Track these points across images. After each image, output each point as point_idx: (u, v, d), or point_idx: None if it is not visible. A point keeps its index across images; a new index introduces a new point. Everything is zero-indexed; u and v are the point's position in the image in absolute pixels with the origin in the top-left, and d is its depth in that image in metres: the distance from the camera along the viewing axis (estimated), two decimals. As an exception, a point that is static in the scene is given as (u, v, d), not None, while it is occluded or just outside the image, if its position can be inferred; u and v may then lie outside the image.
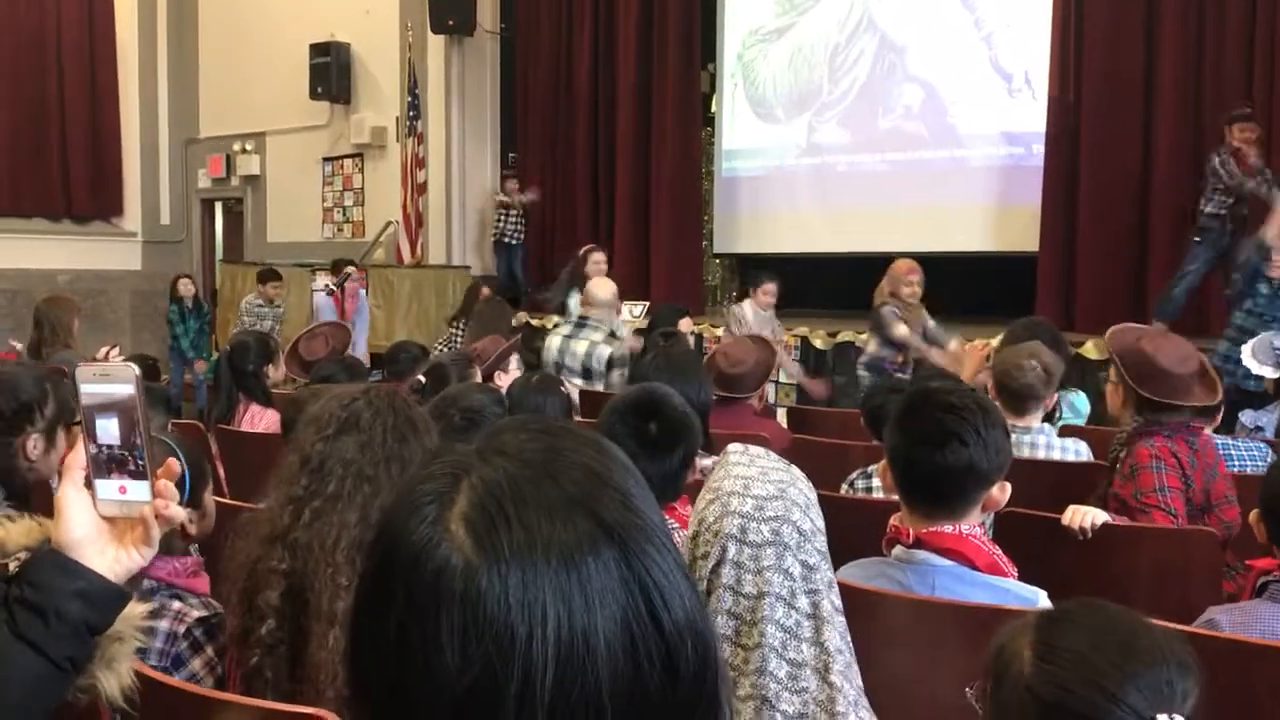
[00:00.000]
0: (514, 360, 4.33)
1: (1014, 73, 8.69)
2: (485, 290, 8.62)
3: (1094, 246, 8.11)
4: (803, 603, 1.45)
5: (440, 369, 3.79)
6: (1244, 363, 4.60)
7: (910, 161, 9.25)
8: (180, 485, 1.11)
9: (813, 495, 1.54)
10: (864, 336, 7.87)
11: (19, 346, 6.64)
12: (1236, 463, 3.34)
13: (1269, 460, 3.25)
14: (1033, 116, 8.46)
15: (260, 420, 4.35)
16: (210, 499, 2.28)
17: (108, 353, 6.75)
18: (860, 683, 1.48)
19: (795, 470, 1.58)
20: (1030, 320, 4.24)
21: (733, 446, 1.60)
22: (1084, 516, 2.59)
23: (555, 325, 6.17)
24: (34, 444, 2.40)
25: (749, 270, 10.49)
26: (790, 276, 9.95)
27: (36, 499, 2.31)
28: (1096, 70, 8.05)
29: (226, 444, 4.14)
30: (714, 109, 10.60)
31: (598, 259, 6.73)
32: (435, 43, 10.97)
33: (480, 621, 0.65)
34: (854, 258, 9.63)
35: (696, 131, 10.39)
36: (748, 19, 10.19)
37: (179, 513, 1.11)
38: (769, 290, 7.22)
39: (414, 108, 10.78)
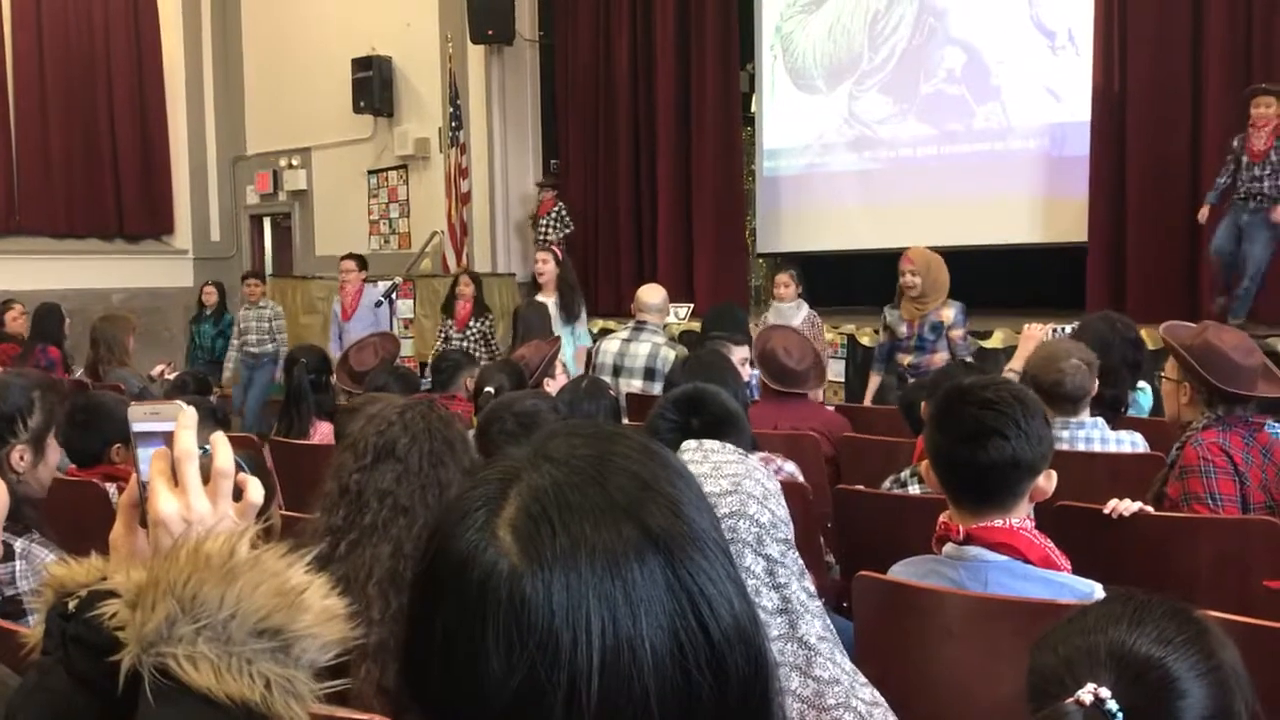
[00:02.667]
0: (559, 365, 4.36)
1: (1056, 30, 8.58)
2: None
3: (1143, 236, 7.98)
4: (771, 598, 1.44)
5: (497, 378, 3.81)
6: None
7: (954, 154, 9.16)
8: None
9: (772, 485, 1.53)
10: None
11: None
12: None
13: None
14: (1077, 75, 8.32)
15: (317, 432, 4.42)
16: (276, 513, 2.30)
17: (162, 371, 6.90)
18: (850, 665, 1.46)
19: (751, 461, 1.56)
20: (1105, 314, 4.16)
21: (686, 444, 1.58)
22: (1124, 506, 2.58)
23: (600, 331, 6.21)
24: (20, 456, 2.28)
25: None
26: (835, 273, 9.97)
27: (31, 516, 2.20)
28: (1143, 34, 7.92)
29: (283, 456, 4.20)
30: (754, 109, 10.58)
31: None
32: (475, 53, 11.05)
33: (525, 627, 0.65)
34: (900, 253, 9.57)
35: (737, 131, 10.37)
36: None
37: None
38: (782, 282, 7.21)
39: (456, 118, 10.86)
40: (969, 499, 2.04)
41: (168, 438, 1.05)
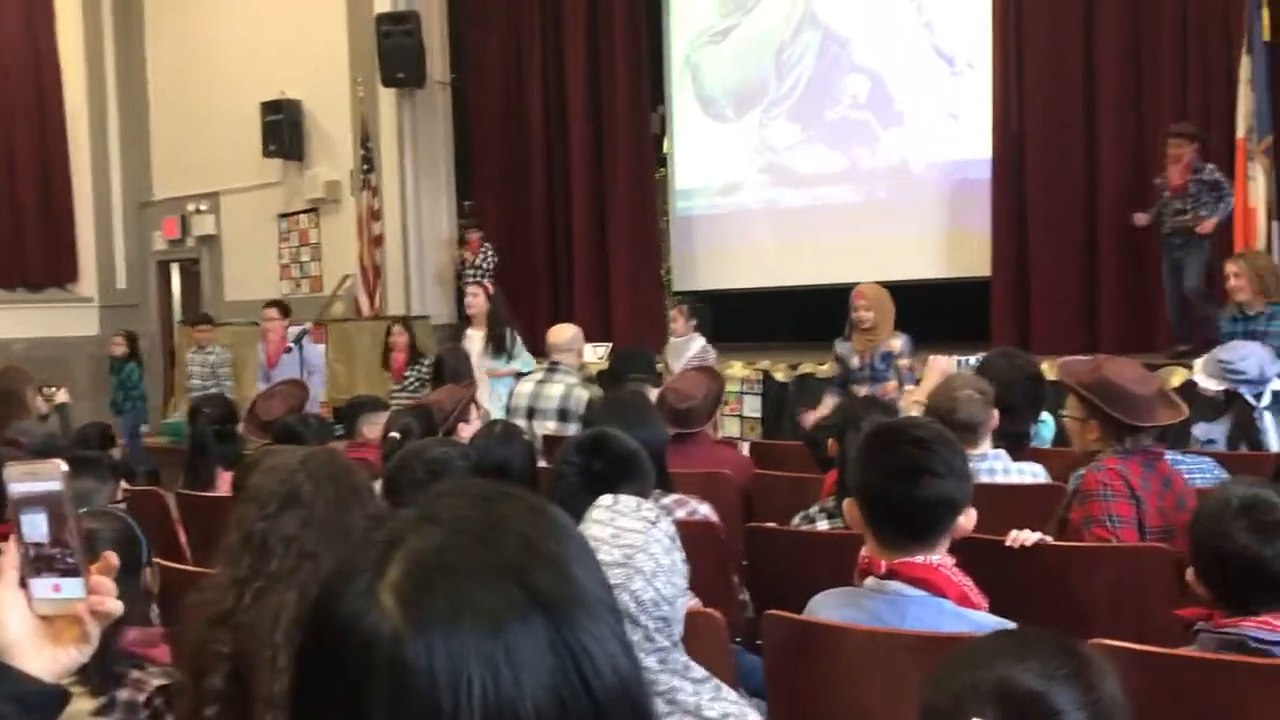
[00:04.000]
0: (474, 410, 4.34)
1: (955, 55, 8.89)
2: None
3: (1045, 269, 8.24)
4: (648, 664, 1.47)
5: (405, 423, 3.78)
6: (1194, 378, 4.68)
7: (862, 191, 9.39)
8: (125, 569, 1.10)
9: (669, 559, 1.56)
10: (824, 368, 7.94)
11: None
12: (1186, 477, 3.39)
13: (1216, 474, 3.28)
14: (977, 99, 8.62)
15: (223, 483, 4.33)
16: (149, 574, 2.25)
17: (54, 393, 6.71)
18: None
19: (658, 530, 1.58)
20: (1005, 351, 4.28)
21: (603, 499, 1.61)
22: (1025, 536, 2.65)
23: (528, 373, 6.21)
24: None
25: (712, 308, 10.59)
26: (752, 311, 10.08)
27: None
28: (1038, 69, 8.21)
29: (188, 508, 4.11)
30: (665, 150, 10.71)
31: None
32: (387, 96, 11.02)
33: (406, 691, 0.65)
34: (813, 290, 9.73)
35: (650, 172, 10.49)
36: (693, 23, 10.35)
37: (115, 606, 1.09)
38: (674, 316, 7.36)
39: (367, 161, 10.80)
40: (897, 535, 2.08)
41: (47, 498, 1.04)
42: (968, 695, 1.15)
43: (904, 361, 5.62)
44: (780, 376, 8.12)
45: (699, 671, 1.54)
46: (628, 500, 1.65)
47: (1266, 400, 4.38)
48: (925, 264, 8.96)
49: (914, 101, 9.09)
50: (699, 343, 7.27)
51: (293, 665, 0.73)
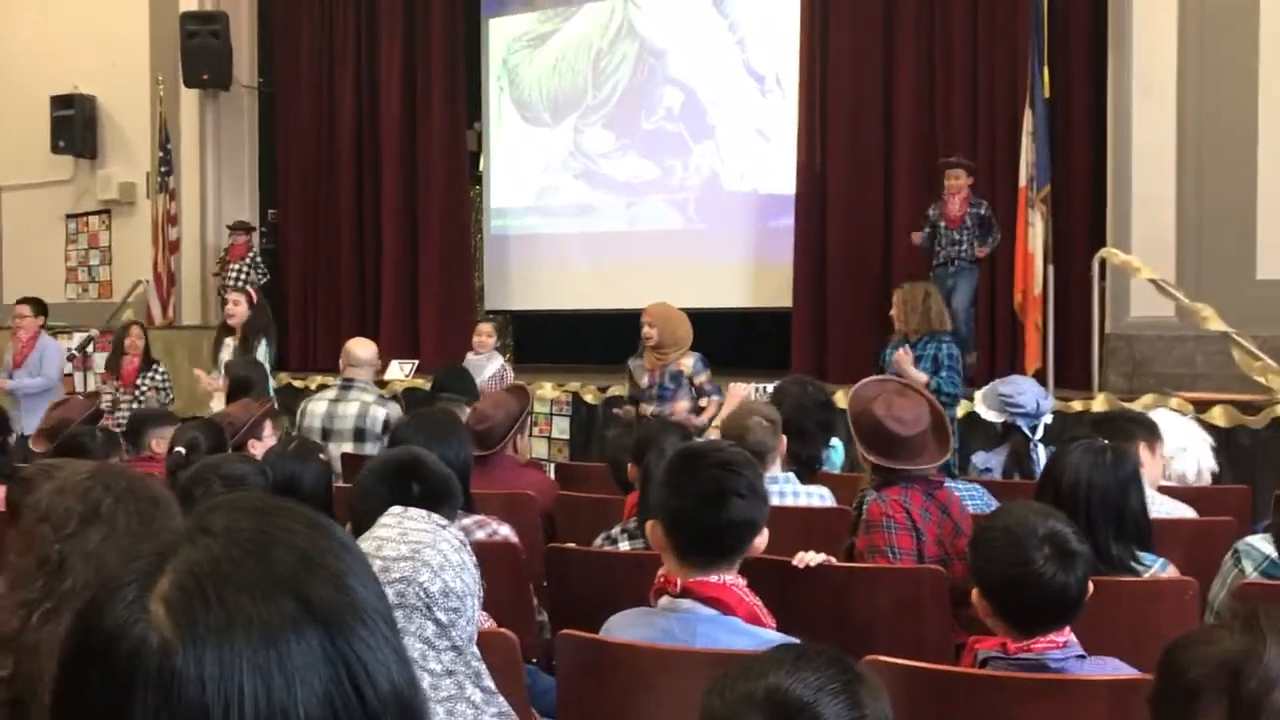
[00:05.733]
0: (268, 426, 4.17)
1: (765, 74, 9.23)
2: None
3: (842, 302, 8.60)
4: (441, 661, 1.48)
5: (191, 437, 3.62)
6: (976, 409, 4.95)
7: (674, 206, 9.62)
8: None
9: (456, 558, 1.57)
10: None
11: None
12: (962, 504, 3.58)
13: (988, 502, 3.48)
14: (784, 117, 8.97)
15: (-4, 498, 4.04)
16: None
17: None
18: None
19: (447, 533, 1.60)
20: (797, 378, 4.44)
21: (391, 509, 1.61)
22: (810, 557, 2.75)
23: (318, 388, 6.02)
24: None
25: (524, 327, 10.59)
26: (565, 332, 10.13)
27: None
28: (841, 93, 8.60)
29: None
30: (481, 168, 10.66)
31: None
32: (189, 97, 10.59)
33: (174, 702, 0.65)
34: (624, 314, 9.85)
35: (465, 188, 10.43)
36: (512, 29, 10.41)
37: None
38: (484, 332, 7.36)
39: (166, 163, 10.34)
40: (699, 556, 2.11)
41: None
42: (741, 703, 1.20)
43: (701, 378, 5.73)
44: (590, 399, 8.17)
45: (489, 682, 1.54)
46: (418, 511, 1.64)
47: (1040, 433, 4.68)
48: (733, 293, 9.22)
49: (725, 117, 9.41)
50: (498, 361, 7.22)
51: (57, 676, 0.71)
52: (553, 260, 10.13)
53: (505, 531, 3.22)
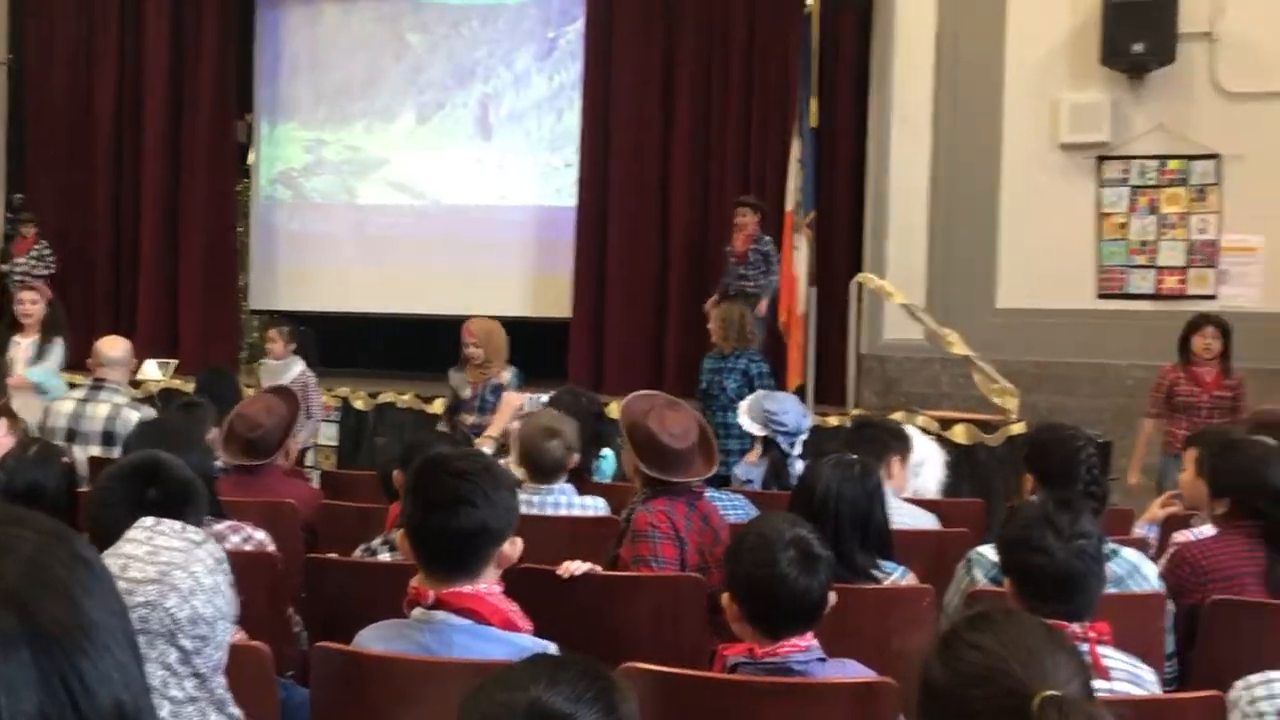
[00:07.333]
0: (2, 426, 3.87)
1: (554, 89, 9.34)
2: None
3: (619, 316, 8.77)
4: (183, 688, 1.45)
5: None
6: (739, 420, 5.14)
7: (453, 225, 9.51)
8: None
9: (211, 580, 1.54)
10: (405, 398, 7.93)
11: None
12: (722, 514, 3.72)
13: (748, 511, 3.63)
14: (568, 130, 9.10)
15: None
16: None
17: None
18: None
19: (201, 551, 1.57)
20: (570, 389, 4.52)
21: (144, 520, 1.56)
22: (575, 567, 2.81)
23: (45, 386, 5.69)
24: None
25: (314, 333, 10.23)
26: (338, 335, 9.84)
27: None
28: (622, 112, 8.80)
29: None
30: (251, 159, 10.25)
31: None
32: (-75, 67, 9.75)
33: None
34: (397, 319, 9.69)
35: (231, 181, 10.01)
36: (288, 19, 10.02)
37: None
38: (271, 339, 7.20)
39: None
40: (440, 565, 2.11)
41: None
42: (502, 716, 1.21)
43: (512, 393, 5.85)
44: (360, 405, 8.00)
45: (235, 709, 1.50)
46: (172, 523, 1.58)
47: (798, 449, 4.90)
48: (512, 302, 9.19)
49: (512, 119, 9.41)
50: (298, 367, 7.02)
51: None
52: (324, 261, 9.85)
53: (260, 537, 3.12)
